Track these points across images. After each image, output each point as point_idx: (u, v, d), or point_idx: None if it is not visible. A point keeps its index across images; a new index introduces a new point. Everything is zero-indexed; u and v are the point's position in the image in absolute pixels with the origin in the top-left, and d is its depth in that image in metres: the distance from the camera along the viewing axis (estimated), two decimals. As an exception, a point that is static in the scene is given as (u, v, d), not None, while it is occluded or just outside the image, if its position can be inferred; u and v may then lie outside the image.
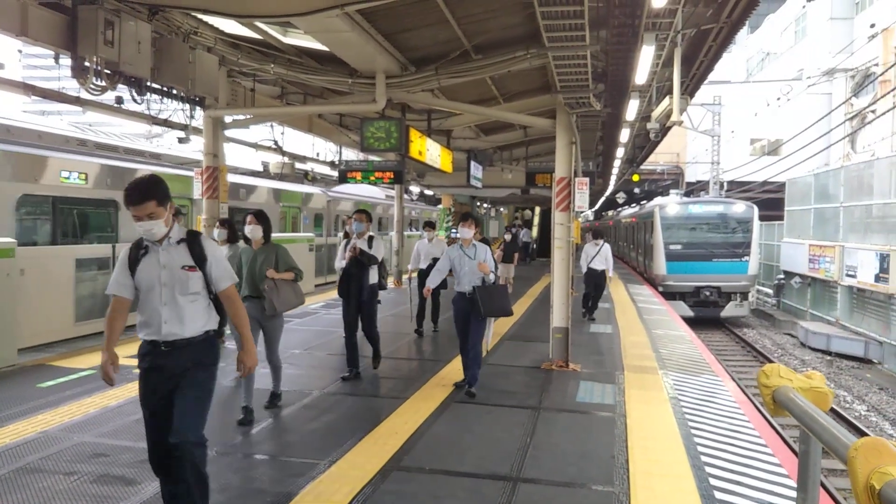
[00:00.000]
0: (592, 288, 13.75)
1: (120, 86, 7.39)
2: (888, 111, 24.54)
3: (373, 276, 7.88)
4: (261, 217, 6.48)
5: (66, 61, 7.02)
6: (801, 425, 2.67)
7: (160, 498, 4.51)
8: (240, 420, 6.18)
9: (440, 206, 30.80)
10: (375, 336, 8.19)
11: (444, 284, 9.01)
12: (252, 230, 6.45)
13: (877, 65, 28.92)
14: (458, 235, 7.52)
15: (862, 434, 10.67)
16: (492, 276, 7.27)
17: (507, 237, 18.01)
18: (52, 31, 6.73)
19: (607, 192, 38.76)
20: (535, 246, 37.77)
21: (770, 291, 26.13)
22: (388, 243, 14.63)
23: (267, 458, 5.41)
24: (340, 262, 8.00)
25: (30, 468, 4.98)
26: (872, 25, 28.65)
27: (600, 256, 13.66)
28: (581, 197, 9.55)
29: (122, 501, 4.47)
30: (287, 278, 6.36)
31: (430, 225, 11.64)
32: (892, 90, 24.71)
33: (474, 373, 7.42)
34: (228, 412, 6.56)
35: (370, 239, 7.84)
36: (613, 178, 29.50)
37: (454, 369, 8.65)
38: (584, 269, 13.84)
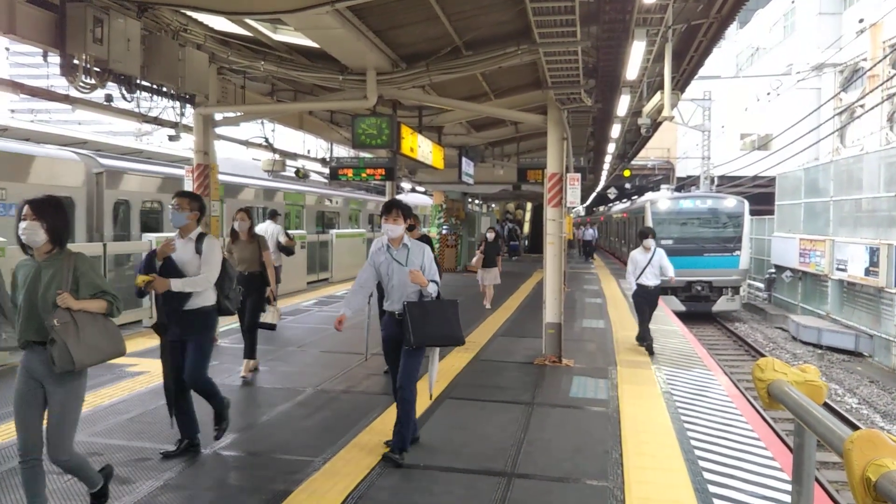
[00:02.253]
0: (647, 309, 10.22)
1: (109, 83, 7.33)
2: (877, 106, 24.69)
3: (202, 298, 5.23)
4: (42, 207, 3.89)
5: (54, 59, 6.96)
6: (796, 418, 2.68)
7: (154, 497, 4.50)
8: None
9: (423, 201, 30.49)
10: (207, 389, 5.37)
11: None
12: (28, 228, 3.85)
13: (865, 60, 29.05)
14: (385, 233, 5.48)
15: (854, 427, 10.74)
16: (432, 289, 5.32)
17: (490, 235, 14.66)
18: (40, 28, 6.68)
19: (599, 188, 38.84)
20: (527, 242, 37.89)
21: (761, 286, 26.24)
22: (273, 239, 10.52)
23: (261, 455, 5.40)
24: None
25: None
26: (861, 20, 28.76)
27: (653, 268, 10.04)
28: (573, 192, 9.57)
29: (117, 500, 4.45)
30: (93, 309, 3.94)
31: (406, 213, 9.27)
32: (881, 85, 24.83)
33: (401, 433, 5.27)
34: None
35: (199, 238, 5.22)
36: (605, 174, 29.58)
37: (448, 365, 8.66)
38: (633, 286, 10.28)
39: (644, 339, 10.03)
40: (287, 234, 11.43)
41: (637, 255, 10.22)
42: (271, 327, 7.99)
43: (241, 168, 20.98)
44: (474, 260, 14.38)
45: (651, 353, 9.68)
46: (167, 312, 5.18)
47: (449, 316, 5.38)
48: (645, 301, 10.20)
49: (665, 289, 22.51)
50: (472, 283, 19.19)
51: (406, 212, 5.52)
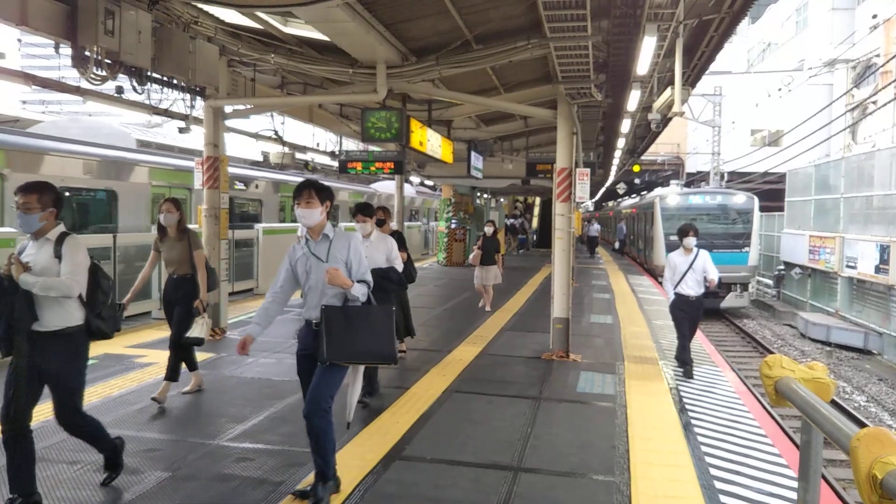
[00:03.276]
0: (688, 324, 8.46)
1: (120, 75, 7.36)
2: (889, 102, 24.48)
3: (64, 316, 4.11)
4: None
5: (66, 51, 7.00)
6: (804, 415, 2.68)
7: (162, 487, 4.54)
8: None
9: (375, 187, 27.19)
10: (88, 431, 4.46)
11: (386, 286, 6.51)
12: None
13: (878, 56, 28.84)
14: (302, 225, 4.50)
15: (862, 425, 10.70)
16: (359, 291, 4.33)
17: (488, 230, 13.37)
18: (52, 20, 6.71)
19: (608, 183, 38.75)
20: (535, 236, 37.86)
21: (770, 282, 26.14)
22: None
23: (268, 448, 5.43)
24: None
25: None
26: (874, 16, 28.52)
27: (696, 273, 8.28)
28: (582, 188, 9.54)
29: (125, 490, 4.49)
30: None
31: (364, 212, 6.79)
32: (893, 81, 24.63)
33: (320, 460, 4.42)
34: (227, 404, 6.60)
35: (60, 239, 4.11)
36: (614, 169, 29.48)
37: (455, 359, 8.68)
38: (671, 295, 8.52)
39: (684, 361, 8.38)
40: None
41: (675, 259, 8.41)
42: (198, 342, 6.49)
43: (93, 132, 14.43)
44: (471, 256, 13.41)
45: (689, 376, 8.18)
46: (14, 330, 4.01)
47: (378, 327, 4.32)
48: (685, 314, 8.39)
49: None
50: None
51: (323, 193, 4.39)
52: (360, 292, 4.36)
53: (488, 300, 13.34)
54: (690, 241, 8.32)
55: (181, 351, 6.61)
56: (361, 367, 4.65)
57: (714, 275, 8.31)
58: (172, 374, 6.58)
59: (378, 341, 4.32)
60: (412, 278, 7.68)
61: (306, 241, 4.49)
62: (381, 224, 7.66)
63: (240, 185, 17.13)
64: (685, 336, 8.45)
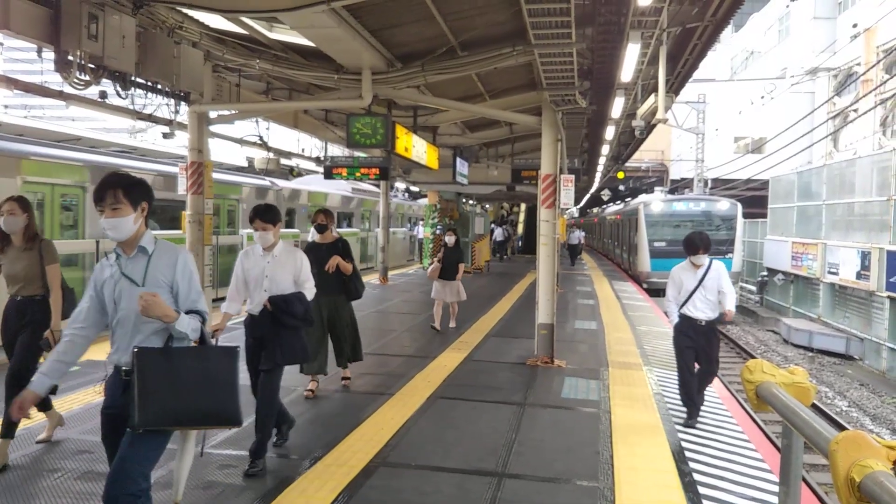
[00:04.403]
0: (693, 356, 6.65)
1: (104, 80, 7.32)
2: (870, 110, 24.79)
3: None
4: None
5: (49, 55, 6.95)
6: (784, 420, 2.70)
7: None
8: None
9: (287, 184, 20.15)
10: None
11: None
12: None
13: (859, 64, 29.19)
14: (111, 239, 3.30)
15: (843, 429, 10.78)
16: (186, 326, 3.19)
17: (449, 240, 11.60)
18: (34, 24, 6.66)
19: (592, 189, 38.93)
20: (520, 243, 37.93)
21: (753, 288, 26.34)
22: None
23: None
24: None
25: (12, 465, 4.93)
26: (855, 25, 28.89)
27: (707, 291, 6.58)
28: (566, 194, 9.60)
29: (107, 498, 4.44)
30: None
31: (263, 216, 5.16)
32: (874, 90, 24.94)
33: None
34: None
35: None
36: (599, 176, 29.64)
37: (440, 365, 8.68)
38: (674, 317, 6.77)
39: (690, 412, 6.57)
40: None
41: (680, 274, 6.72)
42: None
43: None
44: (430, 269, 11.38)
45: (691, 422, 6.48)
46: None
47: (216, 375, 3.23)
48: (691, 343, 6.58)
49: (658, 290, 22.71)
50: (465, 284, 19.20)
51: (136, 192, 3.22)
52: (188, 327, 3.19)
53: (453, 314, 11.72)
54: (701, 258, 6.58)
55: (14, 385, 4.82)
56: (193, 434, 3.64)
57: (731, 300, 6.68)
58: (7, 430, 4.98)
59: (215, 396, 3.20)
60: (358, 294, 7.18)
61: (117, 257, 3.27)
62: (322, 230, 7.09)
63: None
64: (686, 370, 6.60)
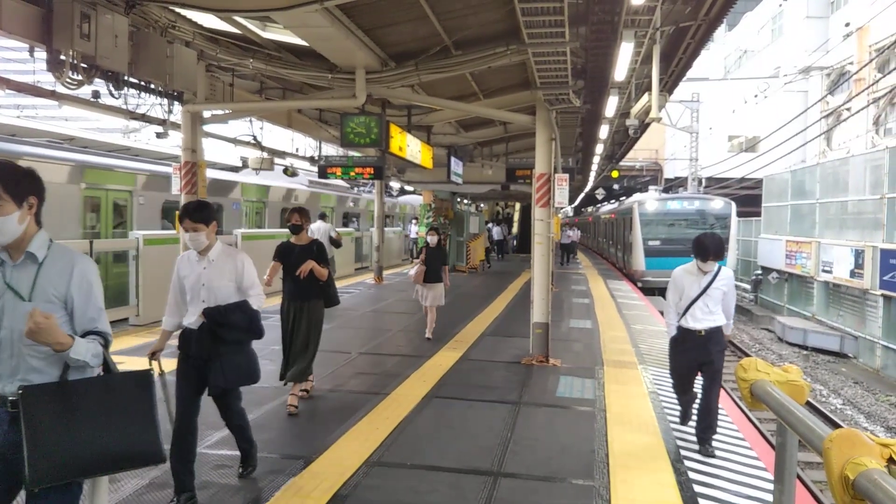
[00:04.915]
0: (693, 373, 6.09)
1: (97, 80, 7.29)
2: (863, 109, 24.88)
3: None
4: None
5: (41, 55, 6.92)
6: (778, 418, 2.70)
7: (139, 495, 4.49)
8: None
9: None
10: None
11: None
12: None
13: (851, 63, 29.28)
14: None
15: (838, 427, 10.81)
16: (84, 353, 2.59)
17: (431, 239, 10.59)
18: (26, 23, 6.63)
19: (587, 189, 38.94)
20: (515, 242, 37.95)
21: (748, 287, 26.39)
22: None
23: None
24: None
25: None
26: (847, 24, 29.00)
27: (711, 300, 5.80)
28: (561, 193, 9.58)
29: (100, 499, 4.42)
30: None
31: (192, 216, 4.45)
32: (867, 89, 25.03)
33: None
34: (207, 410, 6.54)
35: None
36: (593, 175, 29.67)
37: (435, 364, 8.67)
38: (672, 329, 6.02)
39: (702, 438, 5.75)
40: (336, 231, 13.99)
41: (683, 277, 5.90)
42: None
43: None
44: (412, 272, 10.56)
45: (707, 450, 5.67)
46: None
47: (126, 407, 2.70)
48: (690, 358, 5.90)
49: (652, 289, 22.75)
50: (461, 283, 19.24)
51: (21, 186, 2.66)
52: (87, 354, 2.60)
53: (430, 324, 10.63)
54: (709, 265, 5.73)
55: None
56: (105, 479, 2.84)
57: (729, 317, 5.95)
58: None
59: (126, 434, 2.66)
60: (336, 300, 6.91)
61: (1, 263, 2.67)
62: (297, 231, 6.59)
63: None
64: (684, 391, 6.15)
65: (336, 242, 13.45)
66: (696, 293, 5.76)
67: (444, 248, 10.99)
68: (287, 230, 6.72)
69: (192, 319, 4.42)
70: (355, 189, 27.64)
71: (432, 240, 10.58)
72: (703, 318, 5.76)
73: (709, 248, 5.67)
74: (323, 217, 14.26)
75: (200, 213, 4.39)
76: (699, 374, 5.97)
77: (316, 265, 6.42)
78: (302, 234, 6.60)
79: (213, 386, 4.38)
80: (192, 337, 4.42)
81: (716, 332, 5.78)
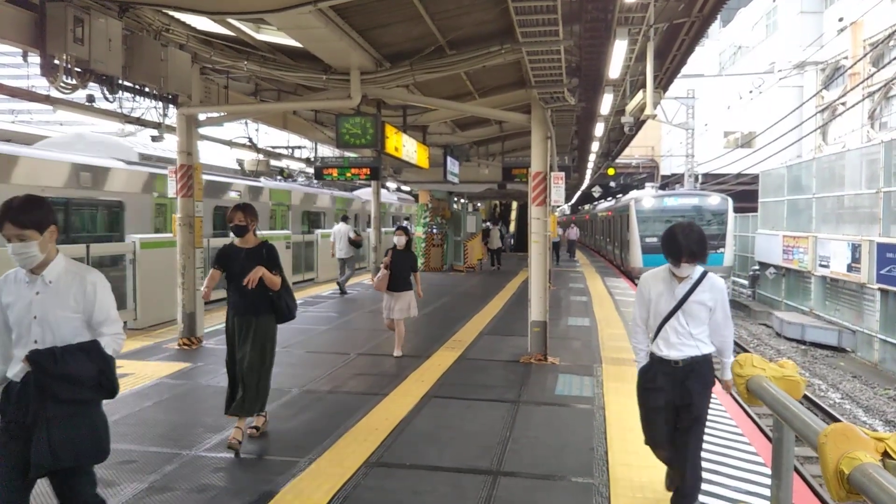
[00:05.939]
0: (669, 421, 4.21)
1: (91, 84, 7.28)
2: (858, 104, 24.92)
3: None
4: None
5: (34, 59, 6.90)
6: (774, 413, 2.72)
7: (139, 499, 4.49)
8: None
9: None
10: None
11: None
12: None
13: (846, 58, 29.32)
14: None
15: (836, 421, 10.83)
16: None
17: (399, 241, 9.09)
18: (19, 28, 6.61)
19: (583, 187, 38.98)
20: (512, 241, 37.93)
21: (745, 282, 26.42)
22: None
23: (246, 457, 5.38)
24: None
25: None
26: (841, 19, 29.03)
27: (690, 318, 4.13)
28: (557, 191, 9.59)
29: None
30: None
31: (15, 219, 3.06)
32: (861, 83, 25.07)
33: None
34: (203, 414, 6.54)
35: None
36: (589, 172, 29.68)
37: (434, 364, 8.67)
38: (642, 356, 4.38)
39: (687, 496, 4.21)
40: (356, 232, 15.20)
41: (650, 285, 4.36)
42: None
43: None
44: (376, 279, 9.12)
45: None
46: None
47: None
48: (658, 398, 4.19)
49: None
50: (458, 283, 19.24)
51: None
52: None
53: (399, 340, 9.24)
54: (685, 269, 4.09)
55: None
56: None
57: (728, 334, 4.30)
58: None
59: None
60: (291, 314, 5.77)
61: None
62: (241, 232, 5.54)
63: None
64: (658, 445, 4.33)
65: (356, 243, 14.44)
66: (669, 308, 4.16)
67: (413, 252, 9.52)
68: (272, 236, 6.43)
69: (17, 369, 3.10)
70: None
71: (399, 241, 9.07)
72: (678, 344, 4.14)
73: (682, 245, 4.01)
74: (345, 219, 15.31)
75: (29, 213, 3.05)
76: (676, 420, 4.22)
77: (266, 272, 5.38)
78: (248, 235, 5.56)
79: (36, 465, 3.04)
80: (14, 394, 3.08)
81: (699, 363, 4.17)
